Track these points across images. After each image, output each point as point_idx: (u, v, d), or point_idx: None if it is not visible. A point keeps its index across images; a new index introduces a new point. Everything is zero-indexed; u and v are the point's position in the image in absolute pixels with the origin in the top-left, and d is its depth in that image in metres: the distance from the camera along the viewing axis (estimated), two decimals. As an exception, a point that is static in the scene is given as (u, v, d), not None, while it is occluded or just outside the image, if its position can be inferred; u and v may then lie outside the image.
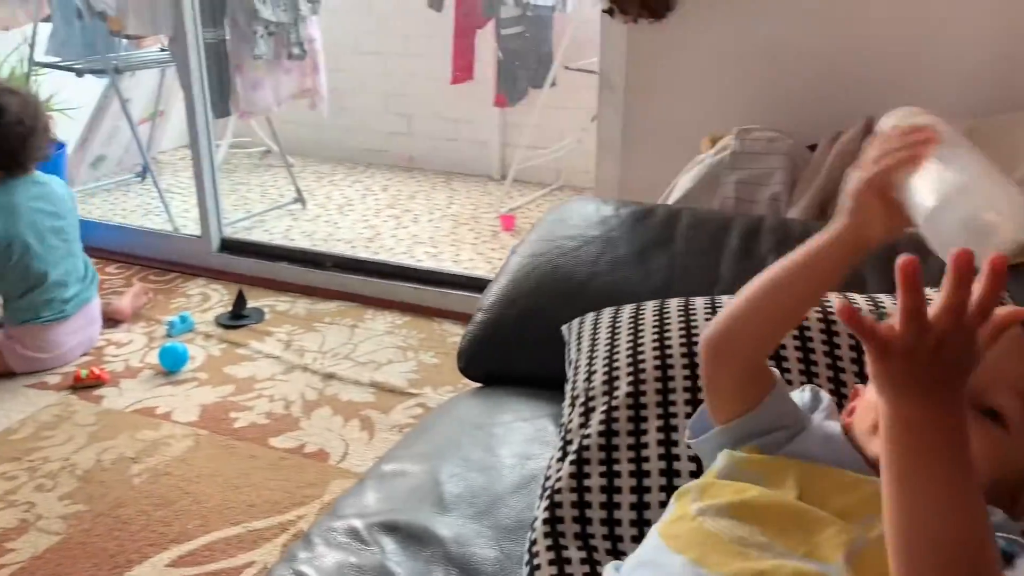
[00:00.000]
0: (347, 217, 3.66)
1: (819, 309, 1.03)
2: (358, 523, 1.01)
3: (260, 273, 2.90)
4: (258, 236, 3.41)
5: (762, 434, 0.78)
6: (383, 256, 3.21)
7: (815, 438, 0.78)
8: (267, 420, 2.11)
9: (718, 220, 1.44)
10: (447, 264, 3.16)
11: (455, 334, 2.51)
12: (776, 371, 0.81)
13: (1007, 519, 0.72)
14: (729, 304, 0.78)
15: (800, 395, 0.85)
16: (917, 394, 0.57)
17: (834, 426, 0.80)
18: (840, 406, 0.87)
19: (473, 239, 3.42)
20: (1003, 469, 0.73)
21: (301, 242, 3.36)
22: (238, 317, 2.61)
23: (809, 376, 0.98)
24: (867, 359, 0.58)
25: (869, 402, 0.80)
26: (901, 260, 0.53)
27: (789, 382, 0.97)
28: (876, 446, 0.74)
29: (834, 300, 0.57)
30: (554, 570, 0.85)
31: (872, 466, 0.74)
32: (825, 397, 0.84)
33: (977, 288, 0.54)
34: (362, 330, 2.57)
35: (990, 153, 1.86)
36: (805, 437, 0.78)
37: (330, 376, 2.31)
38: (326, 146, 4.44)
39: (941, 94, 1.84)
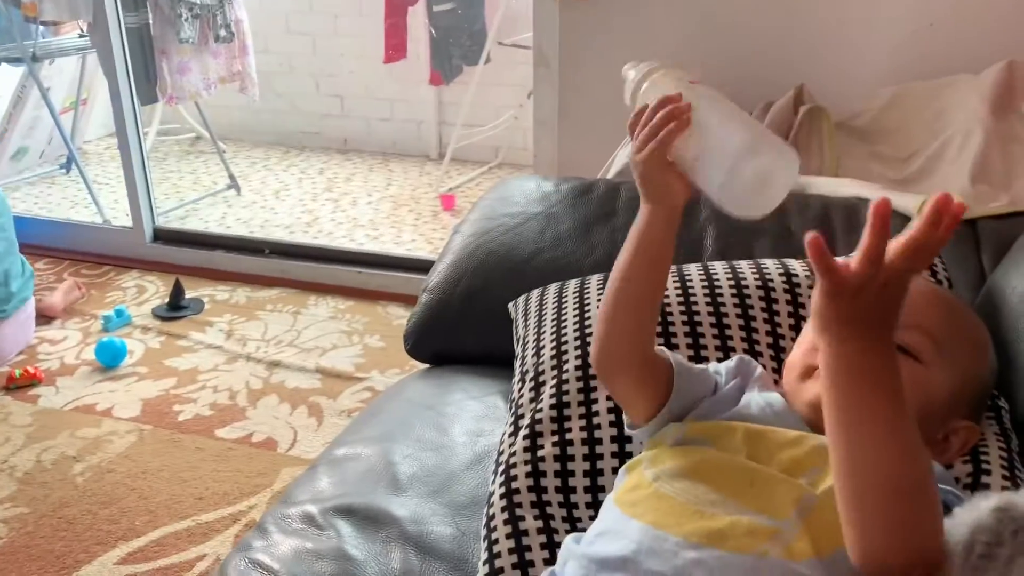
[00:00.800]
0: (284, 202, 3.61)
1: (758, 277, 1.06)
2: (313, 508, 1.00)
3: (196, 263, 2.84)
4: (193, 225, 3.33)
5: (688, 411, 0.80)
6: (323, 240, 3.17)
7: (755, 404, 0.80)
8: (212, 411, 2.08)
9: (657, 192, 1.46)
10: (388, 246, 3.14)
11: (400, 316, 2.50)
12: (666, 351, 0.84)
13: (942, 470, 0.76)
14: (598, 316, 0.83)
15: (727, 365, 0.87)
16: (861, 332, 0.60)
17: (771, 394, 0.82)
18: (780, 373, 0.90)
19: (414, 220, 3.40)
20: (925, 401, 0.77)
21: (237, 229, 3.30)
22: (176, 308, 2.55)
23: (751, 344, 1.00)
24: (816, 297, 0.61)
25: (796, 356, 0.85)
26: (876, 203, 0.57)
27: (732, 349, 0.99)
28: (808, 393, 0.78)
29: (808, 237, 0.59)
30: (512, 543, 0.86)
31: (809, 424, 0.77)
32: (757, 368, 0.87)
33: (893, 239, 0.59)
34: (305, 316, 2.55)
35: (916, 117, 1.90)
36: (747, 403, 0.80)
37: (275, 364, 2.28)
38: (258, 130, 4.36)
39: (869, 61, 1.88)
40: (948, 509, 0.64)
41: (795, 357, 0.86)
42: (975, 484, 0.81)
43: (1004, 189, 1.45)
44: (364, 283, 2.67)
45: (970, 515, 0.59)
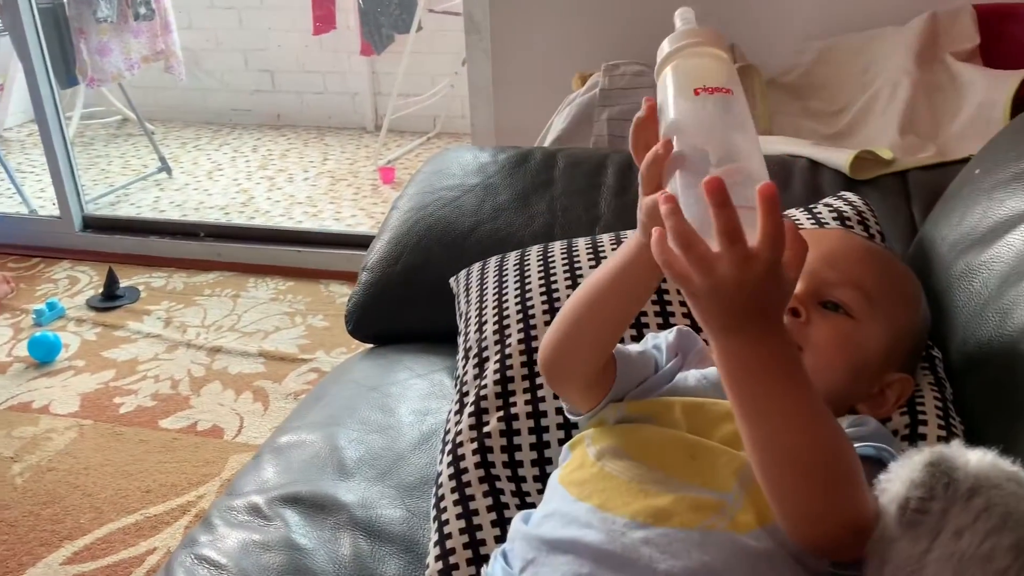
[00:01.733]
0: (217, 183, 3.52)
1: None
2: (258, 499, 0.98)
3: (130, 250, 2.76)
4: (124, 211, 3.24)
5: (627, 392, 0.80)
6: (260, 220, 3.10)
7: (692, 377, 0.80)
8: (154, 402, 2.03)
9: (594, 159, 1.45)
10: (328, 223, 3.09)
11: (343, 294, 2.47)
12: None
13: (878, 427, 0.77)
14: (556, 322, 0.78)
15: (667, 338, 0.86)
16: (743, 325, 0.59)
17: (710, 369, 0.82)
18: None
19: (353, 195, 3.35)
20: (860, 357, 0.79)
21: (171, 213, 3.22)
22: (111, 298, 2.48)
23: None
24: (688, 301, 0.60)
25: None
26: (708, 181, 0.55)
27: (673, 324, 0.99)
28: None
29: (654, 237, 0.59)
30: (462, 523, 0.86)
31: None
32: (699, 341, 0.87)
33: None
34: (245, 299, 2.50)
35: (845, 71, 1.91)
36: (683, 378, 0.80)
37: (216, 350, 2.24)
38: (187, 110, 4.24)
39: (797, 17, 1.89)
40: (884, 466, 0.65)
41: None
42: (913, 435, 0.82)
43: (931, 139, 1.47)
44: (304, 262, 2.63)
45: (904, 471, 0.60)
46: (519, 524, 0.76)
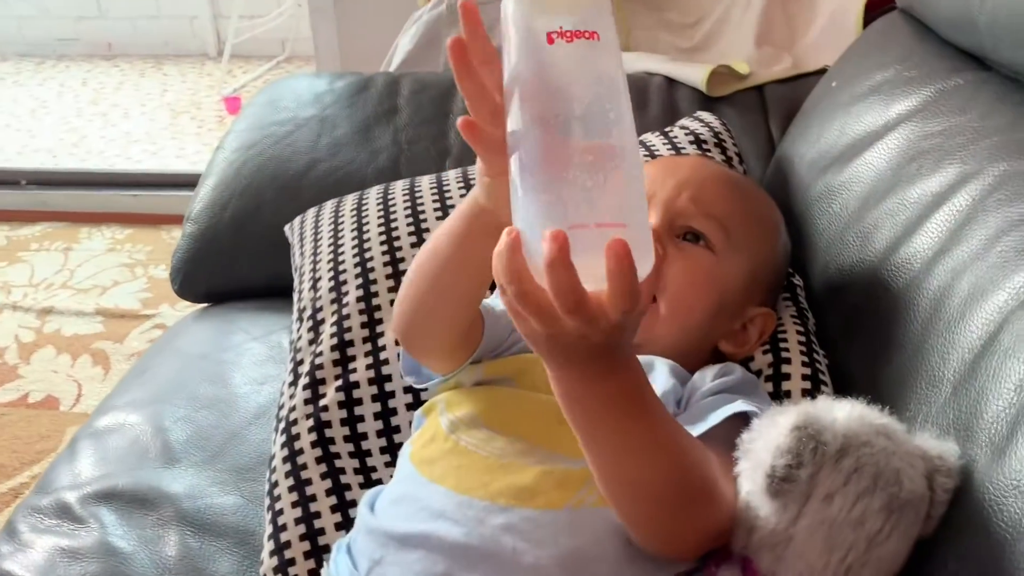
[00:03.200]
0: (42, 122, 3.19)
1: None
2: (69, 497, 0.86)
3: (-61, 204, 2.47)
4: (-67, 159, 2.89)
5: (491, 352, 0.73)
6: (94, 162, 2.83)
7: None
8: (-23, 374, 1.84)
9: (441, 83, 1.34)
10: (169, 161, 2.85)
11: (189, 239, 2.28)
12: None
13: (744, 374, 0.72)
14: (405, 287, 0.70)
15: None
16: (579, 371, 0.51)
17: None
18: None
19: (196, 129, 3.10)
20: (720, 293, 0.75)
21: (-11, 159, 2.89)
22: (-81, 260, 2.21)
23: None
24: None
25: None
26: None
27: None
28: None
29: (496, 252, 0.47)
30: (298, 512, 0.76)
31: None
32: None
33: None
34: (78, 252, 2.27)
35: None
36: None
37: (47, 311, 2.03)
38: (3, 40, 3.81)
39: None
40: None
41: None
42: (776, 375, 0.78)
43: (787, 50, 1.43)
44: (143, 207, 2.41)
45: (770, 433, 0.55)
46: (365, 512, 0.68)
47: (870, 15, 1.38)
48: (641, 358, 0.55)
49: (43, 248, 2.30)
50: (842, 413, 0.55)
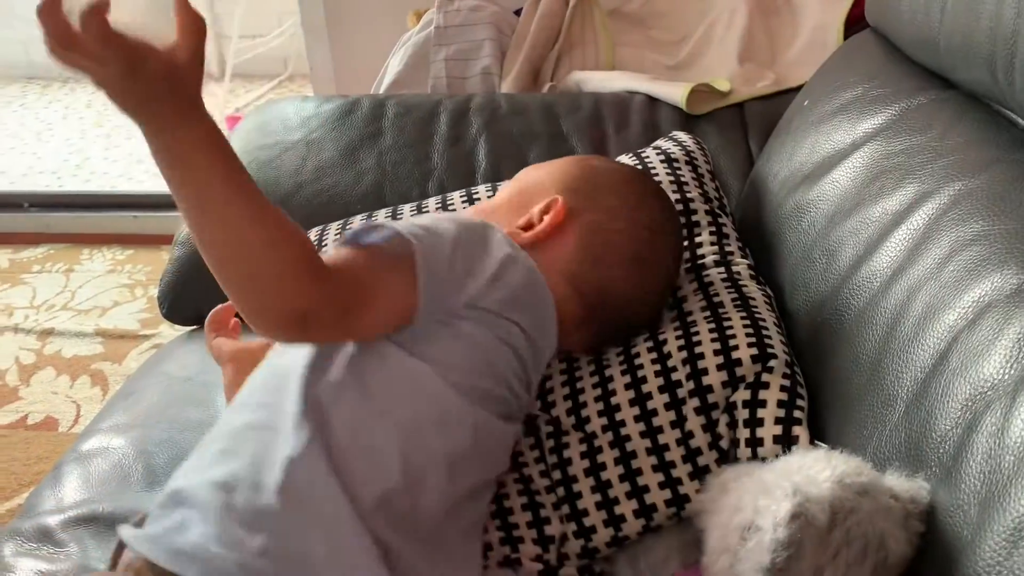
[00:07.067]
0: (47, 144, 3.23)
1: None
2: (51, 521, 0.88)
3: (-57, 228, 2.50)
4: (-60, 182, 2.93)
5: None
6: (96, 183, 2.87)
7: None
8: (-22, 397, 1.86)
9: (426, 105, 1.36)
10: (172, 182, 2.88)
11: (188, 259, 2.30)
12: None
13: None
14: None
15: None
16: (151, 117, 0.56)
17: None
18: None
19: (199, 149, 3.14)
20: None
21: (-4, 182, 2.93)
22: (-77, 283, 2.24)
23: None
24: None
25: None
26: None
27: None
28: None
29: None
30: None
31: None
32: None
33: None
34: (79, 274, 2.30)
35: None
36: None
37: (47, 332, 2.05)
38: (8, 64, 3.86)
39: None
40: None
41: None
42: (757, 382, 0.77)
43: (769, 67, 1.44)
44: (143, 228, 2.43)
45: (765, 523, 0.53)
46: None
47: (851, 31, 1.39)
48: None
49: (45, 270, 2.33)
50: (823, 477, 0.55)
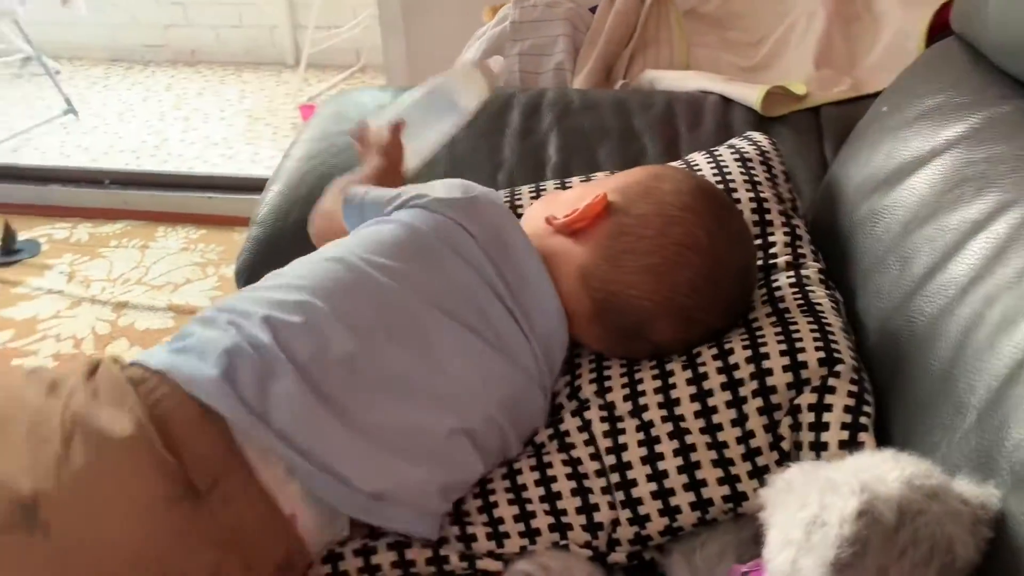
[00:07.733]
0: (128, 125, 3.34)
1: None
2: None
3: (29, 200, 2.60)
4: (27, 157, 3.05)
5: None
6: (173, 164, 2.96)
7: None
8: (56, 363, 1.94)
9: (499, 99, 1.37)
10: (245, 165, 2.96)
11: (258, 241, 2.36)
12: None
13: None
14: (322, 205, 1.02)
15: None
16: None
17: None
18: None
19: (272, 135, 3.21)
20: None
21: (78, 158, 3.04)
22: (9, 252, 2.34)
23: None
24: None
25: None
26: None
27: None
28: None
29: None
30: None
31: None
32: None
33: None
34: (154, 250, 2.38)
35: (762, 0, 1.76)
36: None
37: (122, 305, 2.13)
38: (95, 47, 3.99)
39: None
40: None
41: None
42: (823, 386, 0.77)
43: (847, 72, 1.42)
44: (217, 209, 2.51)
45: (832, 517, 0.53)
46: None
47: (933, 38, 1.37)
48: None
49: (122, 245, 2.41)
50: (893, 476, 0.55)
